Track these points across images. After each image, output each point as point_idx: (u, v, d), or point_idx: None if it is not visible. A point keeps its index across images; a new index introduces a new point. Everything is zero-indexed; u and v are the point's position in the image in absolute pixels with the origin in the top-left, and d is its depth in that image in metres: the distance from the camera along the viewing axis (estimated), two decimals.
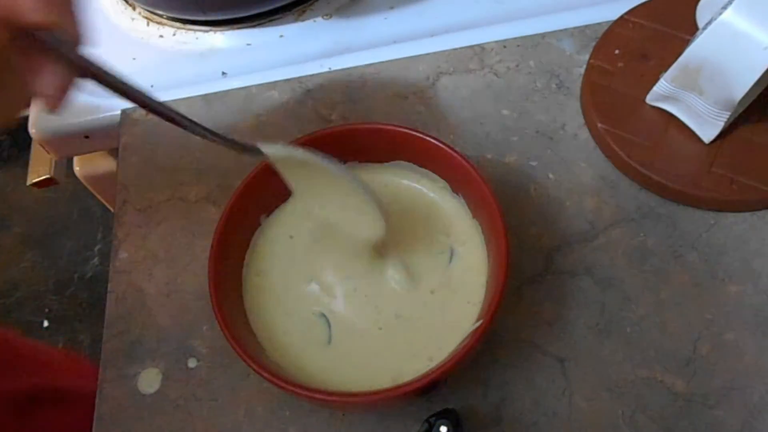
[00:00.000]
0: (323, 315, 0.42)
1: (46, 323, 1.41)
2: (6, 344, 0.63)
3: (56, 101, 0.30)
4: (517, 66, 0.54)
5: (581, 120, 0.51)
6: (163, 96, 0.56)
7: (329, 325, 0.42)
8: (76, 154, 0.64)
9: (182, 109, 0.56)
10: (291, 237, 0.45)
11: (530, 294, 0.45)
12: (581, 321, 0.44)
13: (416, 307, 0.42)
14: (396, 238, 0.44)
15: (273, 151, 0.39)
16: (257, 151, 0.38)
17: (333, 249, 0.44)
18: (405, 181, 0.46)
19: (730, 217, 0.47)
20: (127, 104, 0.55)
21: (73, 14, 0.29)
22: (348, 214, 0.41)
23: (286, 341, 0.42)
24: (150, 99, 0.32)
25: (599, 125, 0.49)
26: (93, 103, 0.55)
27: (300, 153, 0.38)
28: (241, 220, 0.43)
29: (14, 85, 0.30)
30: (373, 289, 0.43)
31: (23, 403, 0.58)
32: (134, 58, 0.59)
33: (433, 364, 0.39)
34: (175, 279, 0.48)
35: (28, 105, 0.32)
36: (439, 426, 0.37)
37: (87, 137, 0.57)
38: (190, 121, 0.35)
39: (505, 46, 0.55)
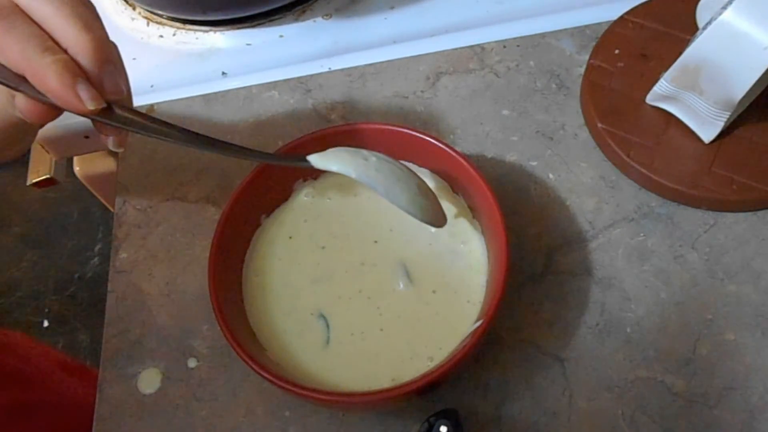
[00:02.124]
0: (323, 316, 0.42)
1: (46, 323, 1.41)
2: (13, 351, 0.62)
3: (118, 143, 0.35)
4: (517, 66, 0.54)
5: (581, 120, 0.51)
6: (163, 96, 0.56)
7: (328, 327, 0.42)
8: (76, 154, 0.64)
9: (182, 109, 0.57)
10: (290, 237, 0.45)
11: (530, 294, 0.45)
12: (581, 321, 0.44)
13: (417, 307, 0.42)
14: (397, 238, 0.44)
15: (322, 165, 0.40)
16: (305, 161, 0.40)
17: (338, 252, 0.44)
18: None
19: (730, 217, 0.47)
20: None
21: (121, 83, 0.33)
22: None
23: (285, 341, 0.42)
24: (186, 138, 0.36)
25: (599, 125, 0.49)
26: None
27: (349, 173, 0.39)
28: (241, 220, 0.43)
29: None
30: (376, 291, 0.43)
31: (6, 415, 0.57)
32: (134, 58, 0.59)
33: (433, 364, 0.39)
34: (175, 279, 0.48)
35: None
36: (439, 426, 0.37)
37: (87, 137, 0.57)
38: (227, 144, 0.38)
39: (505, 46, 0.55)
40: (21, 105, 0.31)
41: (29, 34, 0.30)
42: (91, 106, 0.31)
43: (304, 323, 0.42)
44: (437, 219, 0.41)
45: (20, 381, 0.61)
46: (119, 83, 0.33)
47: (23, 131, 0.34)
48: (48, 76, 0.29)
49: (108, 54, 0.32)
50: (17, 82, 0.30)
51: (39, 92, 0.30)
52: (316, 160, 0.40)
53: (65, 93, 0.30)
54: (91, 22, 0.31)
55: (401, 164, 0.41)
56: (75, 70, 0.30)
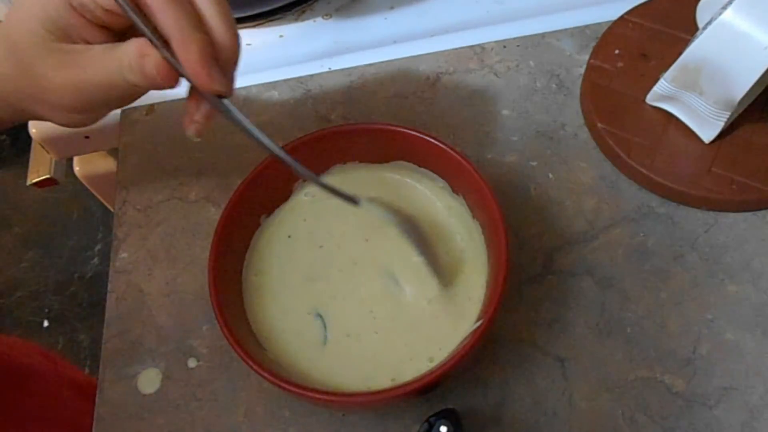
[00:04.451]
0: (319, 315, 0.42)
1: (46, 323, 1.41)
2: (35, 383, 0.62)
3: (202, 130, 0.37)
4: (517, 66, 0.54)
5: (581, 120, 0.51)
6: (163, 96, 0.56)
7: (325, 326, 0.42)
8: (76, 154, 0.64)
9: (182, 109, 0.57)
10: (289, 236, 0.45)
11: (530, 294, 0.45)
12: (581, 321, 0.44)
13: (416, 307, 0.42)
14: (397, 238, 0.44)
15: (368, 208, 0.40)
16: (356, 202, 0.40)
17: (336, 251, 0.44)
18: (405, 181, 0.46)
19: (730, 217, 0.47)
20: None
21: (233, 81, 0.36)
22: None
23: (284, 340, 0.42)
24: (277, 149, 0.37)
25: (599, 125, 0.49)
26: None
27: (390, 219, 0.40)
28: (241, 220, 0.43)
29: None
30: (375, 290, 0.42)
31: None
32: None
33: (433, 365, 0.39)
34: (175, 279, 0.48)
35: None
36: (439, 426, 0.37)
37: (87, 137, 0.57)
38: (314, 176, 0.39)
39: (505, 46, 0.55)
40: (149, 65, 0.34)
41: (187, 9, 0.33)
42: (219, 87, 0.34)
43: (300, 322, 0.42)
44: (445, 278, 0.42)
45: (43, 419, 0.61)
46: (233, 84, 0.36)
47: (126, 95, 0.37)
48: (192, 49, 0.33)
49: (238, 56, 0.36)
50: (161, 44, 0.33)
51: (174, 59, 0.33)
52: (364, 202, 0.40)
53: (202, 68, 0.33)
54: (234, 23, 0.35)
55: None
56: (214, 54, 0.34)
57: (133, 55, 0.34)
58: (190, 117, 0.37)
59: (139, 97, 0.38)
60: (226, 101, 0.36)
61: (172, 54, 0.33)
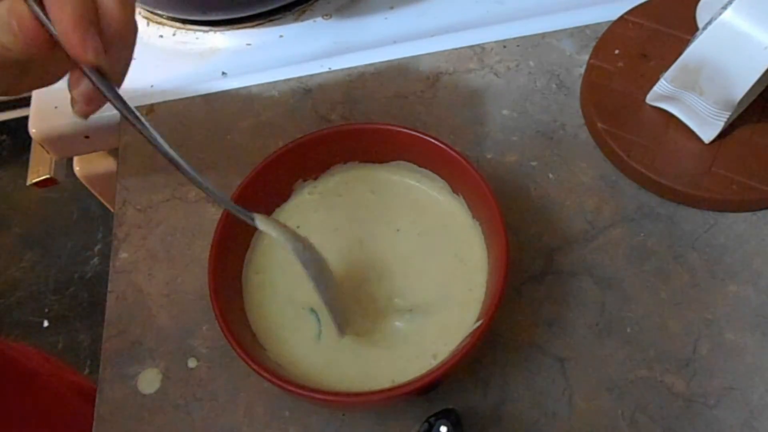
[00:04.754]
0: (313, 310, 0.42)
1: (46, 323, 1.41)
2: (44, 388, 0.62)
3: (83, 110, 0.33)
4: (517, 66, 0.54)
5: (581, 120, 0.51)
6: (163, 96, 0.56)
7: (319, 321, 0.42)
8: (76, 154, 0.64)
9: (182, 109, 0.57)
10: (298, 227, 0.45)
11: (530, 294, 0.45)
12: (581, 321, 0.44)
13: (416, 306, 0.42)
14: (399, 237, 0.44)
15: (264, 227, 0.38)
16: (252, 220, 0.38)
17: (338, 245, 0.44)
18: (405, 181, 0.46)
19: (730, 217, 0.47)
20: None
21: (123, 64, 0.33)
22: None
23: (281, 336, 0.41)
24: (158, 141, 0.34)
25: (599, 125, 0.49)
26: None
27: (285, 241, 0.38)
28: (241, 220, 0.43)
29: (51, 73, 0.35)
30: (375, 290, 0.42)
31: None
32: (134, 58, 0.59)
33: (432, 365, 0.39)
34: (175, 279, 0.48)
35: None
36: (439, 426, 0.37)
37: (87, 137, 0.57)
38: (195, 173, 0.35)
39: (505, 46, 0.55)
40: (18, 22, 0.30)
41: None
42: (90, 56, 0.30)
43: (298, 317, 0.42)
44: (343, 326, 0.40)
45: (44, 421, 0.60)
46: (121, 64, 0.33)
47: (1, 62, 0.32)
48: (66, 6, 0.29)
49: (130, 32, 0.32)
50: (36, 2, 0.30)
51: (47, 18, 0.30)
52: (261, 220, 0.38)
53: (73, 29, 0.29)
54: (132, 1, 0.32)
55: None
56: (94, 20, 0.30)
57: (2, 12, 0.30)
58: (71, 92, 0.33)
59: (23, 72, 0.33)
60: (118, 90, 0.32)
61: (47, 13, 0.29)
